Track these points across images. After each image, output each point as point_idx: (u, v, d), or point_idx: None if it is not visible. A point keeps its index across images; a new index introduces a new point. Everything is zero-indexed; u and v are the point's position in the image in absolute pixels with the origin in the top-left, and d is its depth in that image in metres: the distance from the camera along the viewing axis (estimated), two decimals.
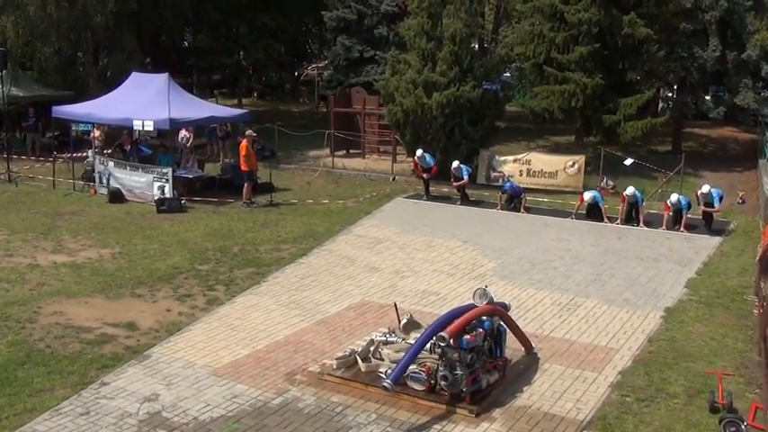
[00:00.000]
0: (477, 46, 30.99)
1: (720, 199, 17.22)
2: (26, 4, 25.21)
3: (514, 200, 19.00)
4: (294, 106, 39.03)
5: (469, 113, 21.53)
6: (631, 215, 17.69)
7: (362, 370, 9.16)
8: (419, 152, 20.14)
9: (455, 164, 19.59)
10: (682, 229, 16.94)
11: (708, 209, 17.10)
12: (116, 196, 19.12)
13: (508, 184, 19.48)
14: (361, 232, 16.70)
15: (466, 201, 19.75)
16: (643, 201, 17.78)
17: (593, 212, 17.98)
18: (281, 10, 34.43)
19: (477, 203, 19.67)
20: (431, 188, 20.35)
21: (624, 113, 23.17)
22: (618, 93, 23.83)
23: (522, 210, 18.73)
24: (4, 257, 14.11)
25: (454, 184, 19.76)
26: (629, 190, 17.41)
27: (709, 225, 17.14)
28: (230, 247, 15.08)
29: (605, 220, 17.72)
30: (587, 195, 17.93)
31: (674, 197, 17.16)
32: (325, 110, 32.36)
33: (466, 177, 19.53)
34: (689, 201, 17.29)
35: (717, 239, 16.41)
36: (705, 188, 17.20)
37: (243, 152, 18.89)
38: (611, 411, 8.63)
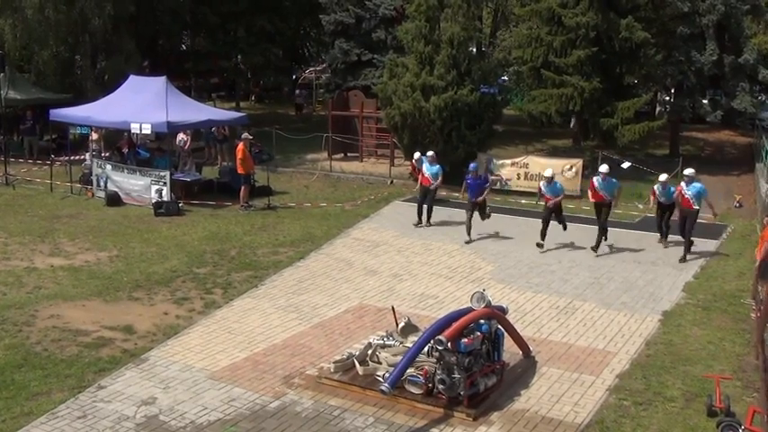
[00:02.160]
0: (474, 49, 31.10)
1: (701, 196, 14.90)
2: (24, 7, 25.19)
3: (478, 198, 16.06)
4: (292, 109, 39.03)
5: (467, 117, 21.54)
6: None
7: (360, 373, 9.15)
8: (417, 155, 20.07)
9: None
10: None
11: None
12: (114, 199, 19.10)
13: (473, 165, 16.56)
14: (358, 235, 16.70)
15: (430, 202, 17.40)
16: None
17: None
18: (279, 13, 34.49)
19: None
20: None
21: (622, 117, 23.22)
22: (615, 96, 23.87)
23: (486, 214, 16.45)
24: (2, 260, 14.09)
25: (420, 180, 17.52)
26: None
27: (685, 229, 14.93)
28: (228, 251, 15.06)
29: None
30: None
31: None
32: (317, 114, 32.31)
33: (440, 179, 17.34)
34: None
35: (714, 243, 16.41)
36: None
37: (239, 155, 18.89)
38: (609, 415, 8.64)
